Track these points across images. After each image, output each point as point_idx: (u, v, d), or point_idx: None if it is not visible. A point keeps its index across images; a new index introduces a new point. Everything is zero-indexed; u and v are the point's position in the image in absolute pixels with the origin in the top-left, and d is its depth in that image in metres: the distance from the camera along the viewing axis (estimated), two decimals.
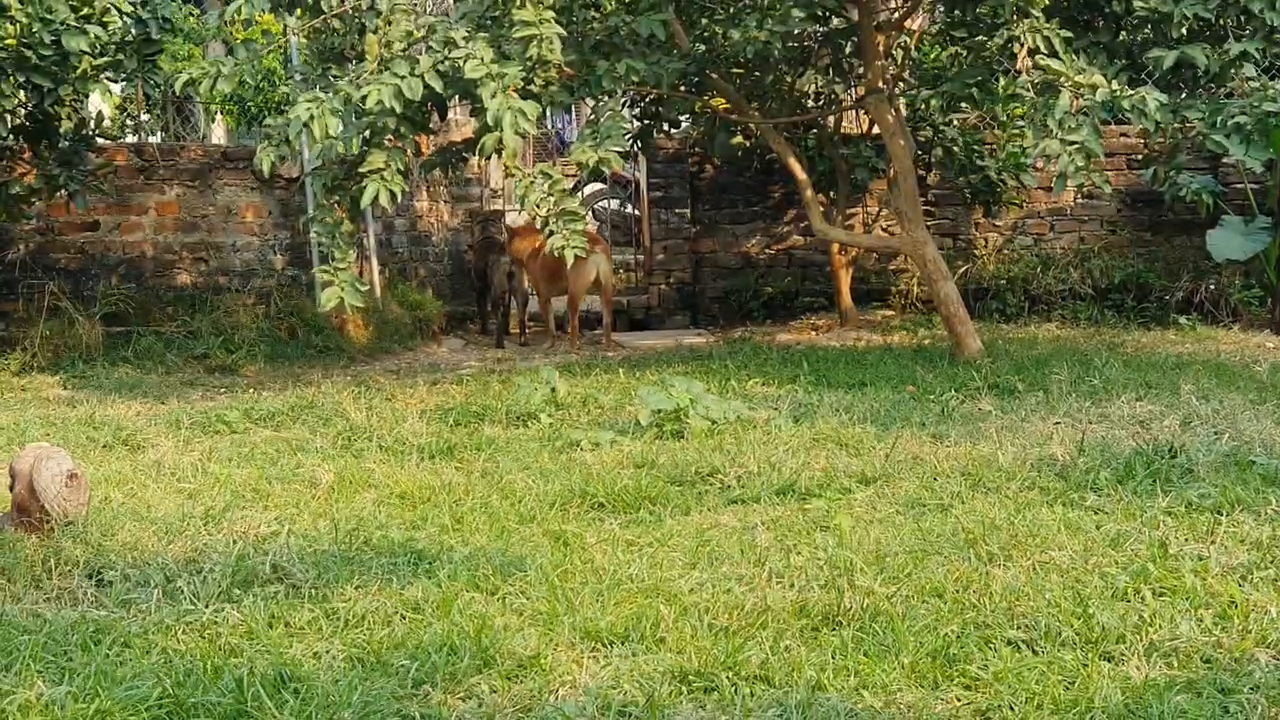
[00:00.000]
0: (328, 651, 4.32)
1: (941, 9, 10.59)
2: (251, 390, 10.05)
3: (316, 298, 11.25)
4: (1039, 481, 6.32)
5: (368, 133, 8.53)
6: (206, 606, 4.67)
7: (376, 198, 8.43)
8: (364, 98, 8.09)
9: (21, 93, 9.64)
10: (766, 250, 14.52)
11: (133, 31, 10.05)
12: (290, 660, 4.23)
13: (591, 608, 4.71)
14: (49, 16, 9.27)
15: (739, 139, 13.05)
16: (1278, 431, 7.15)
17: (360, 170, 8.53)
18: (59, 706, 3.76)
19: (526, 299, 13.33)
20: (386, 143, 8.53)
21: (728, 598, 4.74)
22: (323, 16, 9.20)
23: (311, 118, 8.14)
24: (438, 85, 8.29)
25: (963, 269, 12.96)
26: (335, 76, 8.69)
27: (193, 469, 7.26)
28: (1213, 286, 12.78)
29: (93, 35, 9.47)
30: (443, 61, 8.31)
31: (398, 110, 8.20)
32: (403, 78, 8.14)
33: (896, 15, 10.41)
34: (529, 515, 6.15)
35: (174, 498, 6.56)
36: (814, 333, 13.23)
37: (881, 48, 10.29)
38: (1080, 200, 13.78)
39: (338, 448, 7.85)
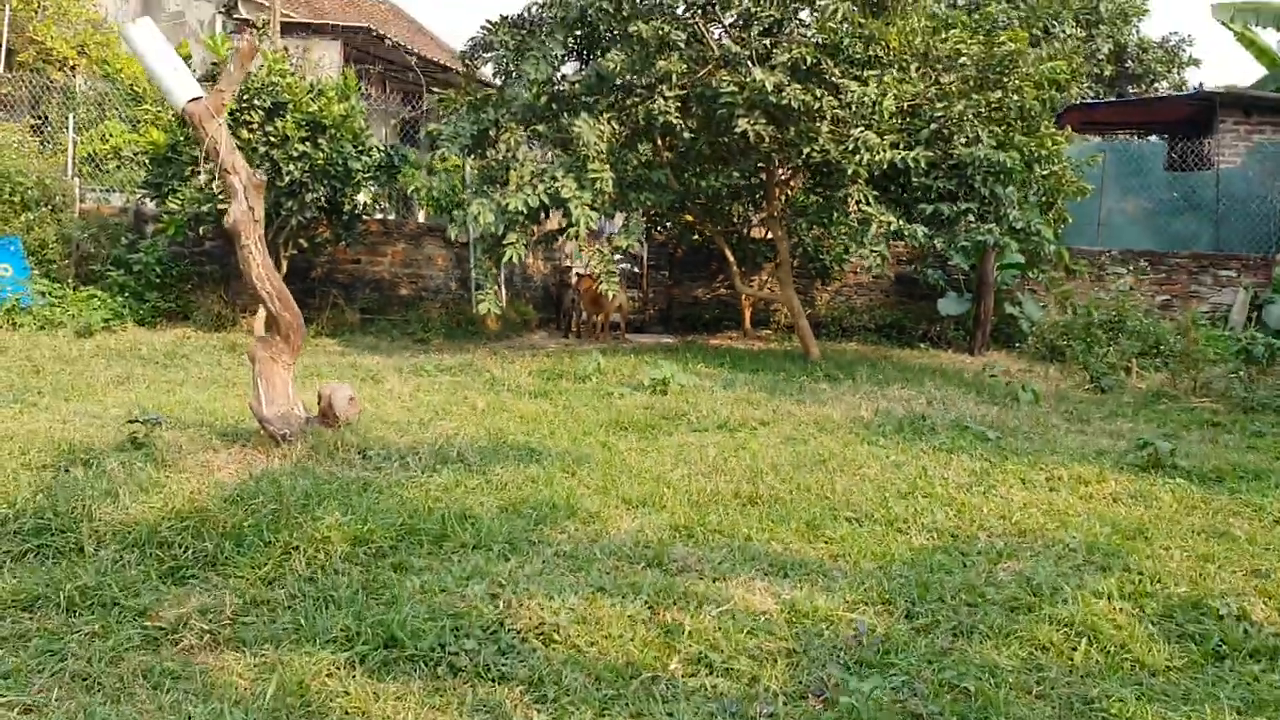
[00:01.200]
0: (486, 503, 4.92)
1: (808, 177, 11.72)
2: (437, 354, 11.04)
3: (473, 305, 12.82)
4: (855, 430, 7.17)
5: (507, 222, 9.77)
6: (422, 474, 5.30)
7: (511, 257, 9.94)
8: (508, 204, 9.60)
9: (321, 189, 11.29)
10: (707, 295, 16.24)
11: (384, 159, 11.90)
12: (467, 506, 4.81)
13: (625, 486, 5.36)
14: (340, 150, 11.12)
15: (697, 237, 14.39)
16: (979, 409, 8.22)
17: (504, 242, 9.88)
18: (346, 526, 4.34)
19: (581, 312, 14.62)
20: (517, 228, 9.88)
21: (696, 484, 5.44)
22: (485, 159, 10.70)
23: (479, 213, 9.61)
24: (546, 200, 9.74)
25: (809, 311, 14.21)
26: (491, 192, 9.92)
27: (409, 395, 8.13)
28: (937, 329, 14.53)
29: (363, 161, 11.33)
30: (550, 188, 9.72)
31: (524, 212, 9.70)
32: (528, 195, 9.69)
33: (784, 177, 11.67)
34: (588, 432, 6.82)
35: (400, 411, 7.30)
36: (729, 340, 14.57)
37: (776, 194, 11.63)
38: (871, 278, 15.35)
39: (485, 388, 8.72)
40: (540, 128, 10.40)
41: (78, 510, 4.32)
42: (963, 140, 10.16)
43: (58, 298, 12.11)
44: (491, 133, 10.56)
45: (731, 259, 12.65)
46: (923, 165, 9.83)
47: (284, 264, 12.05)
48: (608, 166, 9.87)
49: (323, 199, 11.41)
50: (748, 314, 15.19)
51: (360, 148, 11.48)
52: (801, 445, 6.58)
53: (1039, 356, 13.30)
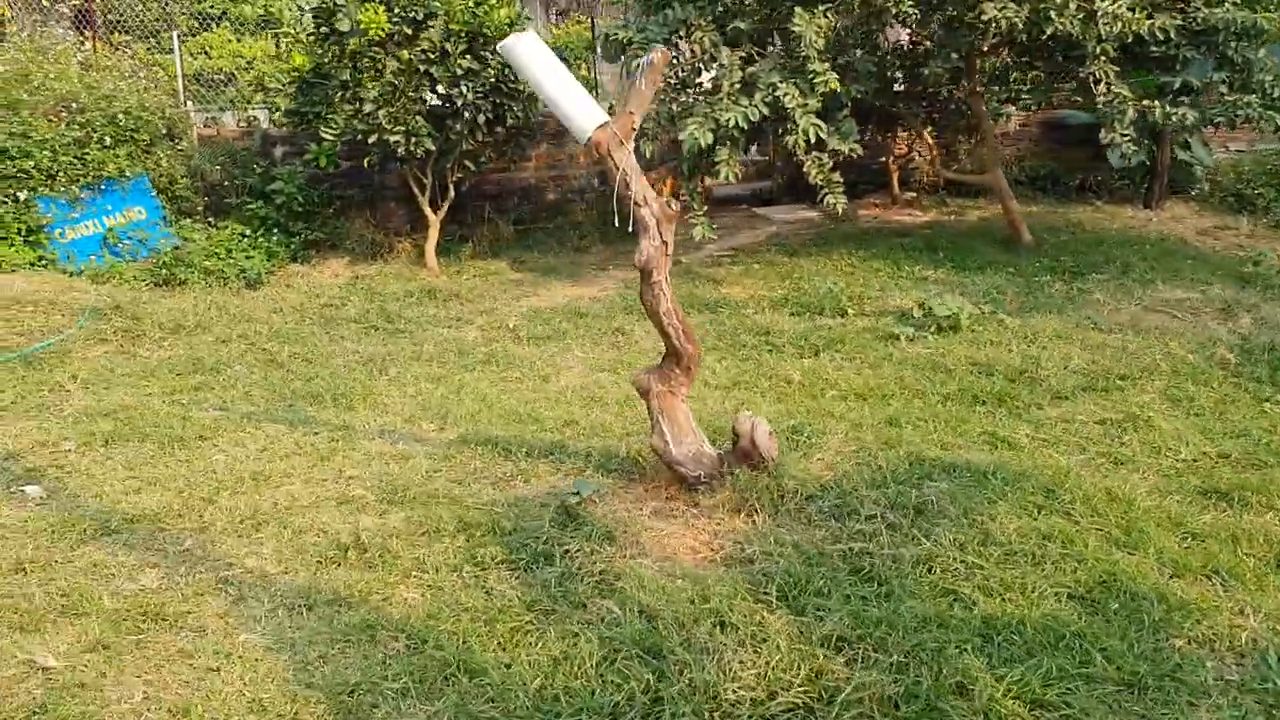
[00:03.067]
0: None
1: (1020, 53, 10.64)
2: (619, 270, 10.62)
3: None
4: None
5: (719, 136, 8.94)
6: (919, 538, 4.37)
7: (725, 174, 9.20)
8: (727, 119, 8.77)
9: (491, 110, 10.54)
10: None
11: None
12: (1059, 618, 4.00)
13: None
14: None
15: None
16: None
17: (715, 160, 9.19)
18: (1008, 679, 3.35)
19: None
20: (728, 144, 9.08)
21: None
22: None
23: (696, 133, 8.76)
24: (766, 111, 8.91)
25: (954, 166, 13.87)
26: (699, 106, 9.10)
27: None
28: (1097, 178, 13.81)
29: None
30: (768, 96, 8.88)
31: (743, 127, 8.97)
32: (747, 108, 8.83)
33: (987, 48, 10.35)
34: (962, 420, 5.99)
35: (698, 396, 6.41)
36: (880, 210, 13.95)
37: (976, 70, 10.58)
38: (1019, 126, 14.73)
39: (754, 339, 8.00)
40: (741, 24, 9.39)
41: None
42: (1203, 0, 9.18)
43: (202, 238, 11.27)
44: (681, 34, 9.55)
45: (927, 136, 12.35)
46: (1171, 34, 8.91)
47: (451, 194, 11.22)
48: (827, 66, 8.94)
49: (494, 120, 10.45)
50: (895, 176, 14.37)
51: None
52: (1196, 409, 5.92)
53: (1227, 208, 12.63)
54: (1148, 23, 8.76)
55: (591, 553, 4.43)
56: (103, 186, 10.78)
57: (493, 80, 10.13)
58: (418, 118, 10.11)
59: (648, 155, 9.59)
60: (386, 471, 5.59)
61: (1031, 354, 7.09)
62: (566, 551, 4.44)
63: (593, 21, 15.15)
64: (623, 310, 9.01)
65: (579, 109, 4.46)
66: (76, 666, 3.76)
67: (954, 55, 9.72)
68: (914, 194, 14.48)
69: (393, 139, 9.99)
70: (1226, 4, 9.14)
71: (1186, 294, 8.65)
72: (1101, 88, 9.03)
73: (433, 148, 10.25)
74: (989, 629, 3.66)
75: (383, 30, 9.78)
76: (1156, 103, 8.96)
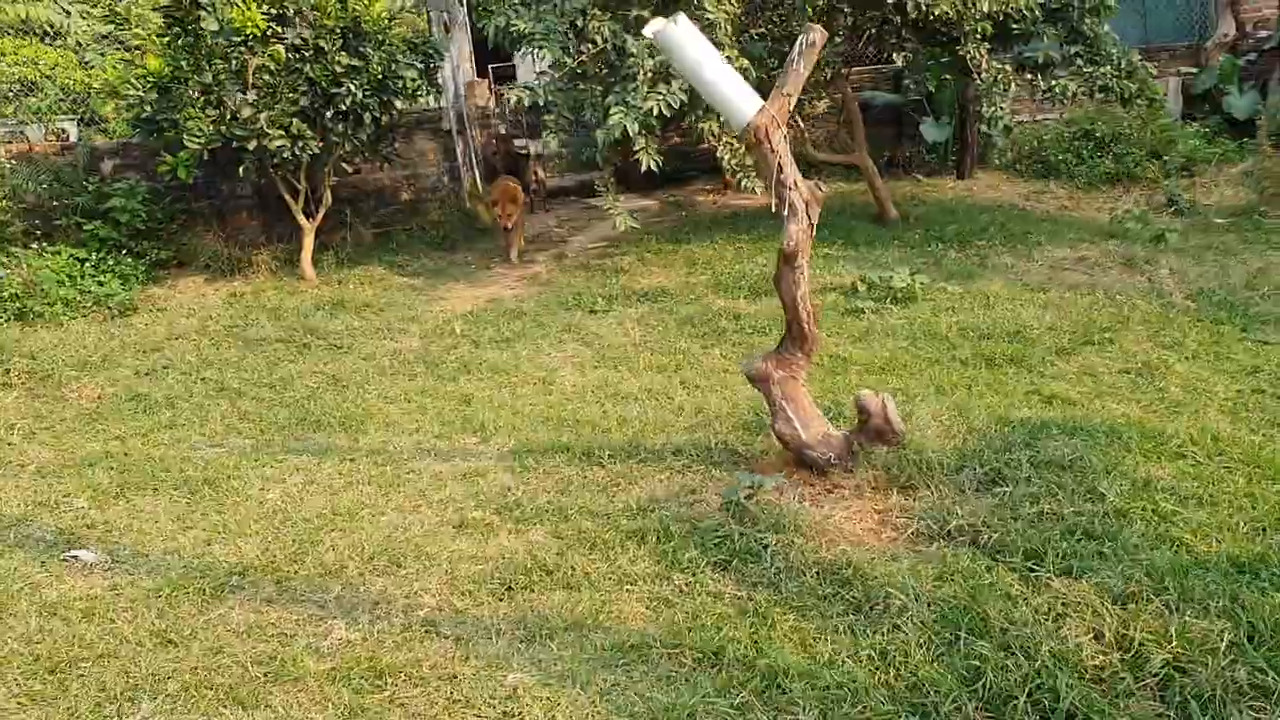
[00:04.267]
0: None
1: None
2: (504, 268, 9.67)
3: (464, 199, 12.28)
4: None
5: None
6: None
7: (647, 165, 8.81)
8: (648, 107, 8.56)
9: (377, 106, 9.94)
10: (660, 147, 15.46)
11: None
12: None
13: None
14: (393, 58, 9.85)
15: None
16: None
17: (634, 148, 8.85)
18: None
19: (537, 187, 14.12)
20: (646, 133, 8.79)
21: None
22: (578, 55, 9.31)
23: (619, 121, 8.49)
24: (685, 99, 8.68)
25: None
26: (621, 93, 8.74)
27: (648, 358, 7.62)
28: (906, 154, 14.55)
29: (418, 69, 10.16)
30: (685, 84, 8.50)
31: (665, 115, 8.76)
32: (666, 95, 8.61)
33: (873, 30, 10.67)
34: (994, 394, 5.95)
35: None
36: (714, 195, 14.11)
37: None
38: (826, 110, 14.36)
39: (718, 325, 8.03)
40: (645, 13, 9.31)
41: None
42: None
43: (30, 265, 10.13)
44: (579, 23, 9.40)
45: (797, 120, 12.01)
46: (1036, 12, 9.62)
47: (327, 199, 10.59)
48: (738, 51, 9.07)
49: (378, 117, 9.95)
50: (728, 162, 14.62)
51: (417, 53, 10.04)
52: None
53: (1034, 174, 13.69)
54: (1016, 3, 9.35)
55: (790, 544, 4.36)
56: None
57: (379, 76, 9.58)
58: (294, 120, 9.45)
59: (554, 146, 9.46)
60: (477, 490, 5.28)
61: (1004, 315, 7.45)
62: (765, 546, 4.34)
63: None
64: (556, 307, 8.81)
65: (739, 93, 4.37)
66: None
67: (837, 39, 10.00)
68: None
69: (276, 143, 9.30)
70: None
71: (1076, 253, 9.27)
72: (984, 64, 9.54)
73: (317, 150, 9.61)
74: (1238, 568, 3.85)
75: (258, 28, 9.08)
76: (1036, 75, 9.56)
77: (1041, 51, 10.15)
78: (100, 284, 9.95)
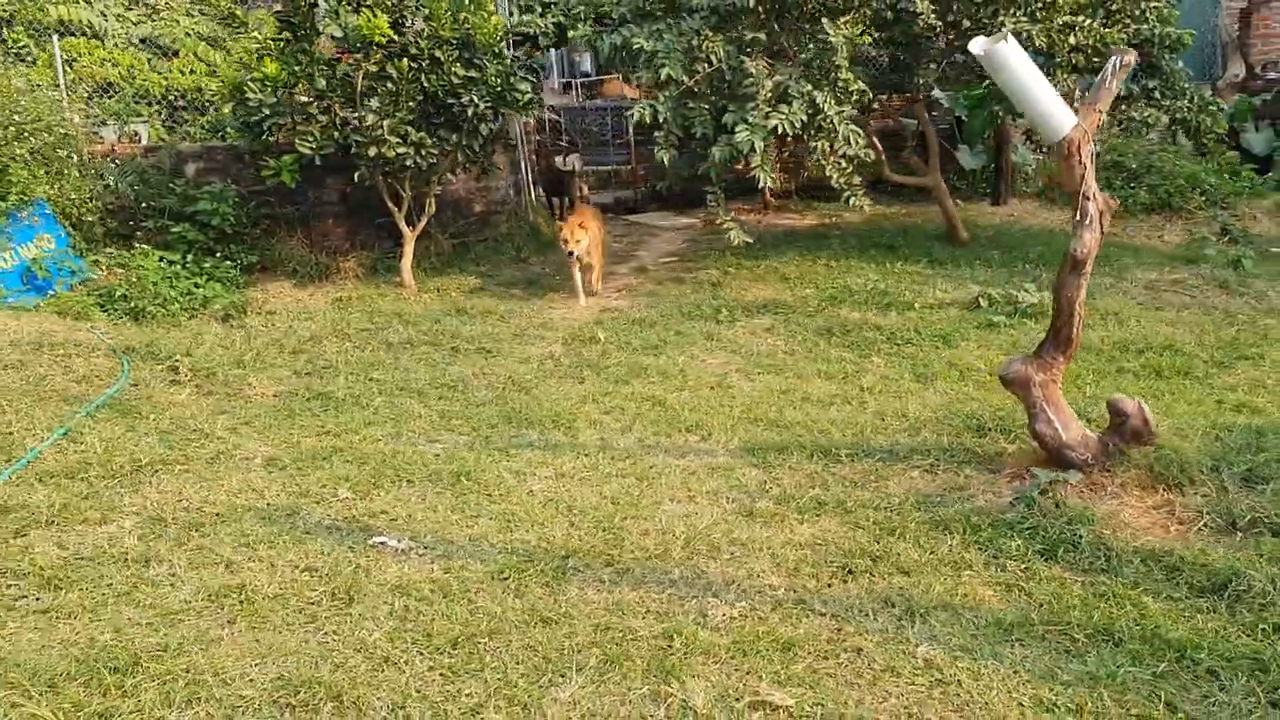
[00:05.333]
0: None
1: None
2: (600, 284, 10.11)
3: (527, 211, 12.56)
4: None
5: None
6: None
7: (763, 183, 9.18)
8: (772, 125, 8.88)
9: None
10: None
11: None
12: None
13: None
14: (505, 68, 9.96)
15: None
16: None
17: (752, 165, 9.14)
18: None
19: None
20: (763, 151, 9.00)
21: None
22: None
23: (747, 138, 8.80)
24: (805, 118, 9.02)
25: (811, 175, 14.59)
26: (741, 112, 9.02)
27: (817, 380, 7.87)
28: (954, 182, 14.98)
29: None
30: (804, 103, 9.01)
31: (787, 133, 9.11)
32: (789, 114, 8.90)
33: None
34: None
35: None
36: (756, 215, 14.58)
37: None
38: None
39: (874, 339, 8.33)
40: (761, 35, 9.64)
41: None
42: (1136, 13, 10.45)
43: (119, 267, 10.05)
44: (693, 43, 9.66)
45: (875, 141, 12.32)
46: (1124, 45, 10.10)
47: (431, 206, 10.68)
48: (856, 74, 9.42)
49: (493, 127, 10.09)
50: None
51: (526, 68, 10.22)
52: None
53: (1067, 201, 14.19)
54: (1109, 33, 9.83)
55: (1099, 535, 4.63)
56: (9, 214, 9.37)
57: (498, 89, 9.74)
58: (407, 127, 9.56)
59: (664, 163, 9.65)
60: (736, 484, 5.51)
61: (1140, 332, 7.86)
62: (1079, 536, 4.60)
63: None
64: (680, 317, 9.08)
65: (1058, 109, 4.65)
66: (824, 703, 3.54)
67: (932, 65, 10.39)
68: (782, 200, 15.19)
69: (399, 151, 9.39)
70: (1150, 19, 10.41)
71: (1165, 276, 9.77)
72: (1076, 95, 9.99)
73: (435, 160, 9.72)
74: None
75: (385, 35, 9.20)
76: (1127, 106, 10.05)
77: (1124, 85, 10.57)
78: (197, 286, 9.88)
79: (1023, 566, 4.43)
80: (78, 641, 4.01)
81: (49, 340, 7.67)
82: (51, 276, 9.50)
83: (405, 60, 9.39)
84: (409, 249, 10.48)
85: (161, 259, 10.18)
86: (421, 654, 3.92)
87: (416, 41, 9.56)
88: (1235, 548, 4.47)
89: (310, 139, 9.60)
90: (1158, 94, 10.59)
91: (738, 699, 3.56)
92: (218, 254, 10.41)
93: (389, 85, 9.41)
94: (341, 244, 11.30)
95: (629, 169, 16.18)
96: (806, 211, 14.50)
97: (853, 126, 9.28)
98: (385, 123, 9.37)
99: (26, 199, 9.45)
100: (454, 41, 9.73)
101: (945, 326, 8.24)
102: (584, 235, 9.64)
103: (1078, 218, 5.01)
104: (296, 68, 9.56)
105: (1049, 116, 4.66)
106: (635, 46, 9.57)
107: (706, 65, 9.59)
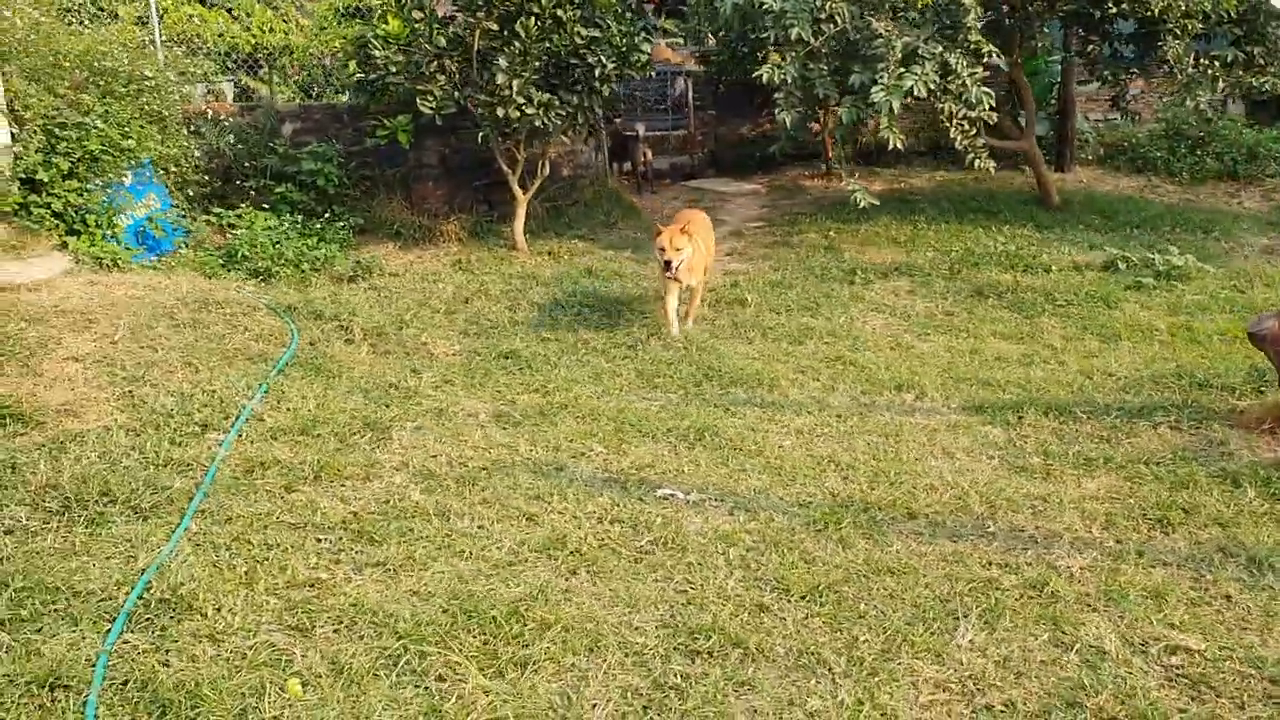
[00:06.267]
0: None
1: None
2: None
3: (608, 176, 12.77)
4: None
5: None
6: None
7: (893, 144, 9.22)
8: (908, 87, 8.94)
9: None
10: (753, 132, 15.98)
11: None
12: None
13: None
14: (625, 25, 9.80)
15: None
16: None
17: (881, 126, 9.34)
18: None
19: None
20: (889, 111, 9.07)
21: None
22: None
23: (885, 100, 8.91)
24: (936, 79, 9.11)
25: (863, 140, 14.81)
26: (872, 74, 9.16)
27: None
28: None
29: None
30: (935, 64, 9.11)
31: (921, 96, 9.13)
32: (922, 76, 8.99)
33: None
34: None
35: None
36: (822, 181, 14.64)
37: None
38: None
39: (998, 301, 8.41)
40: None
41: None
42: None
43: (251, 225, 9.87)
44: (818, 3, 9.61)
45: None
46: (1233, 13, 10.18)
47: (545, 168, 10.59)
48: (986, 36, 9.42)
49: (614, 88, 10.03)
50: (829, 147, 14.94)
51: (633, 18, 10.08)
52: None
53: (1127, 168, 14.37)
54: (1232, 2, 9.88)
55: None
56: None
57: (622, 48, 9.65)
58: (531, 88, 9.47)
59: (786, 124, 9.63)
60: (985, 440, 5.57)
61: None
62: None
63: None
64: (813, 278, 9.13)
65: None
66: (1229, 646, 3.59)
67: (1045, 29, 10.41)
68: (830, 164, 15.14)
69: (527, 112, 9.30)
70: None
71: (1272, 240, 9.85)
72: (1188, 59, 10.06)
73: (560, 122, 9.63)
74: None
75: None
76: (1242, 72, 10.12)
77: (1229, 50, 10.66)
78: (310, 247, 9.75)
79: None
80: (432, 593, 3.96)
81: (210, 299, 7.53)
82: (166, 235, 9.31)
83: (533, 19, 9.23)
84: (521, 211, 10.39)
85: (258, 219, 10.02)
86: (790, 602, 3.92)
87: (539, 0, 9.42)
88: None
89: (431, 99, 9.47)
90: (1260, 60, 10.61)
91: (1144, 643, 3.58)
92: (325, 215, 10.23)
93: (515, 45, 9.27)
94: (440, 207, 11.18)
95: (681, 135, 16.05)
96: (871, 178, 14.44)
97: (984, 88, 9.25)
98: (514, 83, 9.24)
99: (139, 158, 9.24)
100: (575, 1, 9.59)
101: (1096, 288, 8.30)
102: (686, 244, 7.13)
103: None
104: (416, 24, 9.41)
105: None
106: (763, 6, 9.49)
107: (831, 25, 9.53)
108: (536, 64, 9.38)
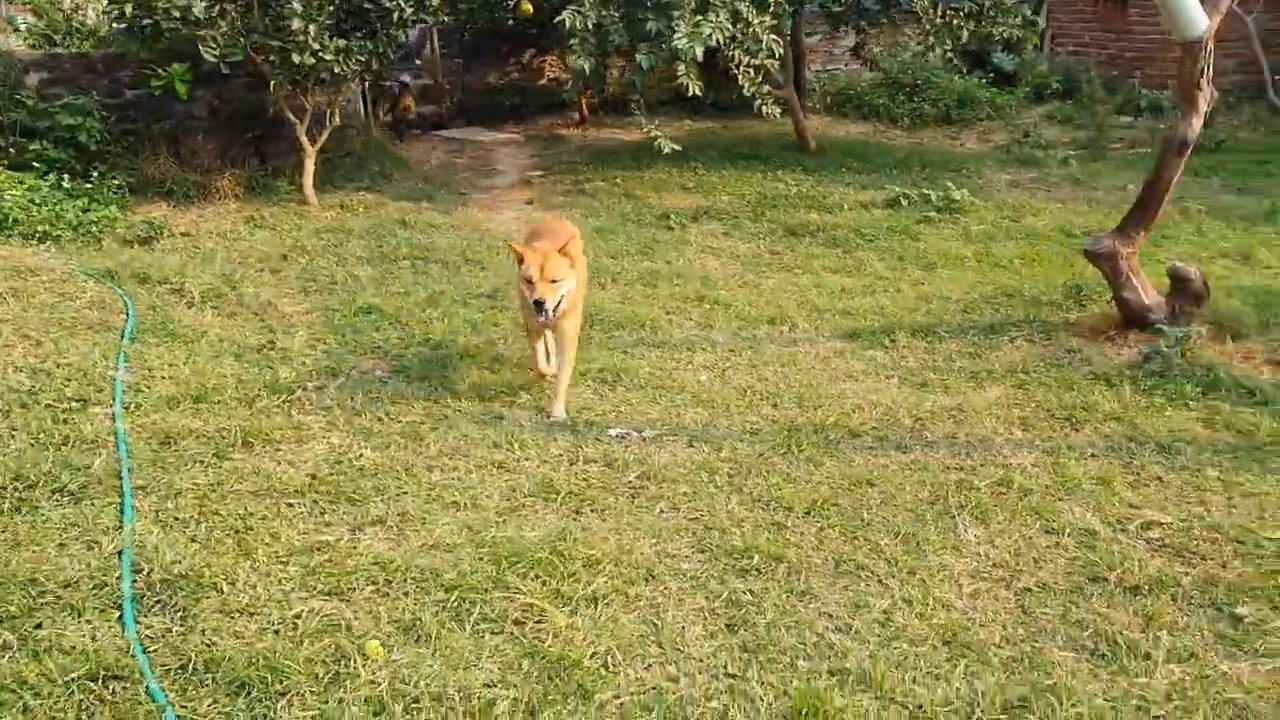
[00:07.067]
0: None
1: None
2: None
3: None
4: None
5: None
6: None
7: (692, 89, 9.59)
8: (706, 34, 9.00)
9: None
10: (501, 81, 15.73)
11: None
12: None
13: None
14: None
15: None
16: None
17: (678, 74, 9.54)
18: None
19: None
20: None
21: None
22: None
23: (686, 46, 8.92)
24: (729, 29, 9.28)
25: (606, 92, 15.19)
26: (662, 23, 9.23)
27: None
28: (733, 96, 15.09)
29: None
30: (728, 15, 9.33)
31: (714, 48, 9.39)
32: (715, 26, 9.08)
33: None
34: None
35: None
36: (577, 129, 14.74)
37: None
38: None
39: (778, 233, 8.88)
40: None
41: None
42: None
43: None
44: None
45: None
46: None
47: (336, 119, 10.13)
48: None
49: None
50: (584, 99, 15.11)
51: None
52: None
53: (859, 116, 15.45)
54: None
55: (1232, 376, 5.48)
56: None
57: None
58: (325, 34, 9.10)
59: (583, 71, 9.72)
60: (875, 362, 6.02)
61: (1069, 218, 8.91)
62: (1219, 379, 5.43)
63: None
64: (630, 224, 9.27)
65: (1196, 11, 5.37)
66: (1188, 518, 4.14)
67: None
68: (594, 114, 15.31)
69: (324, 58, 8.92)
70: None
71: (1011, 176, 10.95)
72: (934, 11, 10.94)
73: (357, 68, 9.29)
74: None
75: None
76: (983, 23, 11.11)
77: (966, 2, 11.60)
78: (85, 211, 8.93)
79: (1203, 405, 5.17)
80: (452, 544, 3.92)
81: (22, 266, 6.82)
82: None
83: None
84: (310, 164, 9.91)
85: (9, 179, 9.05)
86: (799, 518, 4.14)
87: None
88: None
89: (214, 44, 8.87)
90: (991, 13, 11.63)
91: (1120, 521, 4.06)
92: (91, 174, 9.37)
93: None
94: (213, 162, 10.38)
95: (425, 83, 15.68)
96: (628, 127, 14.67)
97: (773, 37, 9.66)
98: (310, 27, 8.81)
99: None
100: None
101: (894, 223, 8.92)
102: (565, 274, 5.00)
103: (1189, 106, 5.71)
104: None
105: (1188, 15, 5.34)
106: None
107: None
108: (330, 7, 8.94)
